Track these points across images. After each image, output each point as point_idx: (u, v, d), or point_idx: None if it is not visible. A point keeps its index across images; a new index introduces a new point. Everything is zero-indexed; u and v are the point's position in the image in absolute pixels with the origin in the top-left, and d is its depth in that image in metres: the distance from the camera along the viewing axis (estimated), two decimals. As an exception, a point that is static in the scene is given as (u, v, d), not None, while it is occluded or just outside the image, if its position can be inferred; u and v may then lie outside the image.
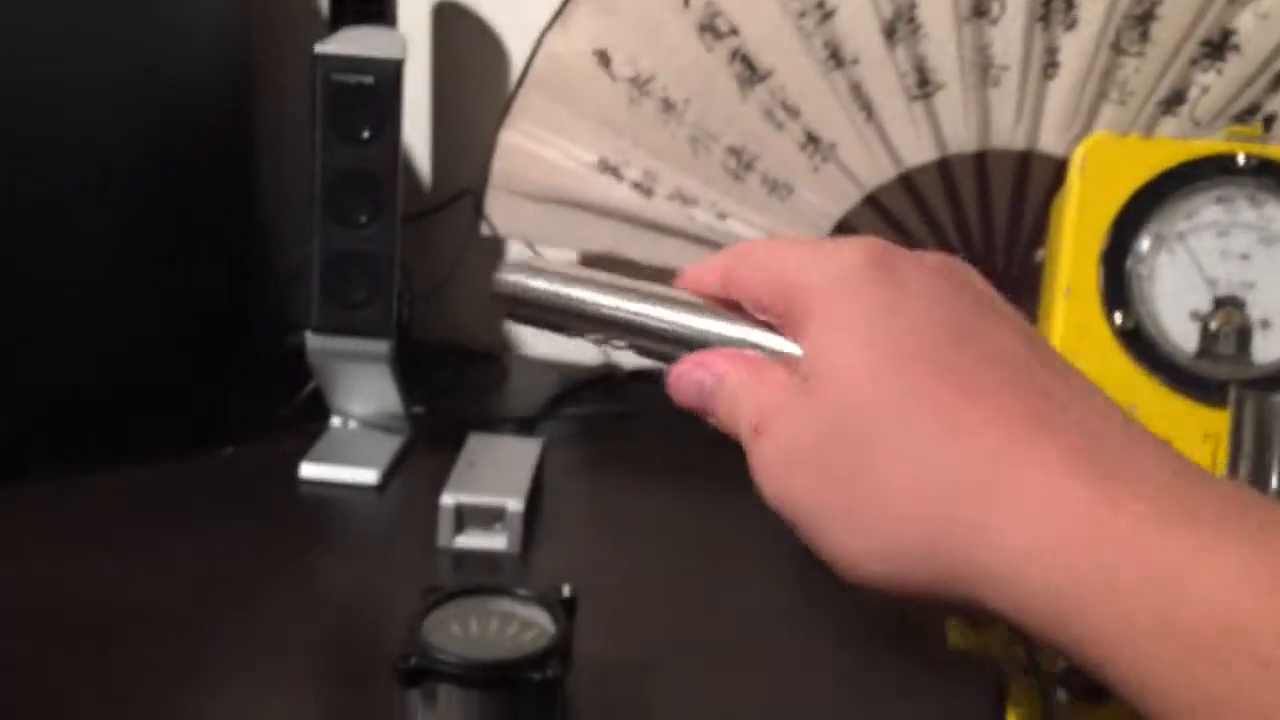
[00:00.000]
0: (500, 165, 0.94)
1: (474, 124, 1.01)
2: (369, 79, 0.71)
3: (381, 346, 0.75)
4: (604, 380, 0.98)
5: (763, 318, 0.35)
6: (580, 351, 1.06)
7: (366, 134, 0.71)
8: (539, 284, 0.39)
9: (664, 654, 0.60)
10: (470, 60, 1.04)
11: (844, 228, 0.90)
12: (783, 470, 0.32)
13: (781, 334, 0.34)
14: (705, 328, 0.36)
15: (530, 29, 0.91)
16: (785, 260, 0.33)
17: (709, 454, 0.87)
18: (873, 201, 0.89)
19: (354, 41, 0.73)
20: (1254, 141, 0.51)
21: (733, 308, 0.36)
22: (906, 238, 0.90)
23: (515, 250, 1.01)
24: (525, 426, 0.88)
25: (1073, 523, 0.27)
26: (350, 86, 0.71)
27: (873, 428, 0.29)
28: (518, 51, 1.01)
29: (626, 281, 0.38)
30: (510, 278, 0.39)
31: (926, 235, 0.89)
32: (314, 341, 0.75)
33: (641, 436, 0.89)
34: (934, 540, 0.28)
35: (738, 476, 0.87)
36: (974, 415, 0.29)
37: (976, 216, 0.88)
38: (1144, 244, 0.51)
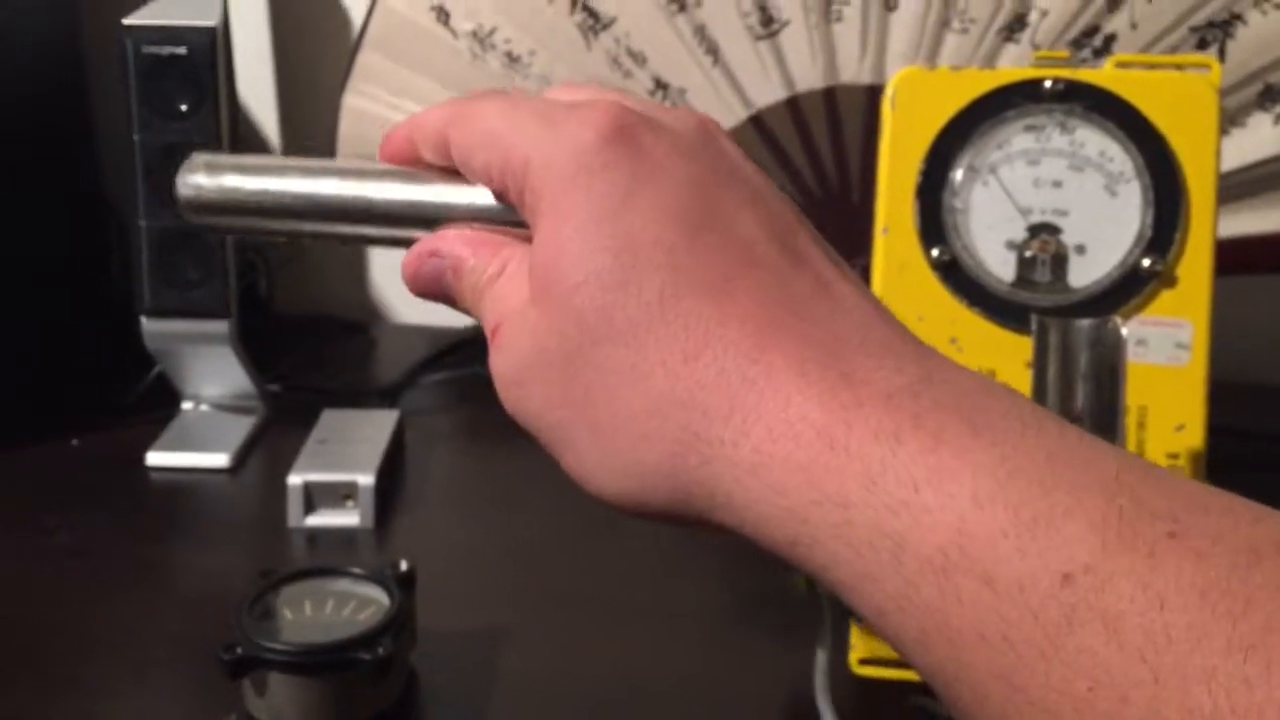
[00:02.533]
0: (346, 130, 0.91)
1: (320, 88, 0.98)
2: (181, 49, 0.68)
3: (220, 326, 0.72)
4: (472, 342, 0.96)
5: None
6: (450, 314, 1.04)
7: (185, 107, 0.68)
8: (226, 181, 0.32)
9: (520, 621, 0.59)
10: (311, 22, 1.00)
11: (700, 174, 0.88)
12: (518, 385, 0.29)
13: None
14: (431, 199, 0.31)
15: (366, -13, 0.88)
16: (515, 131, 0.29)
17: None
18: (726, 145, 0.87)
19: (165, 11, 0.70)
20: (1063, 65, 0.51)
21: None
22: (763, 180, 0.89)
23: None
24: (387, 397, 0.86)
25: (804, 441, 0.25)
26: (163, 58, 0.68)
27: (607, 347, 0.27)
28: (356, 12, 0.98)
29: (330, 162, 0.33)
30: (191, 179, 0.32)
31: (782, 177, 0.88)
32: (149, 326, 0.72)
33: (510, 398, 0.88)
34: (673, 460, 0.27)
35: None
36: (708, 329, 0.27)
37: (830, 154, 0.87)
38: (957, 176, 0.50)
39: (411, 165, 0.32)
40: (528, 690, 0.54)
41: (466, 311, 0.32)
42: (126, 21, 0.69)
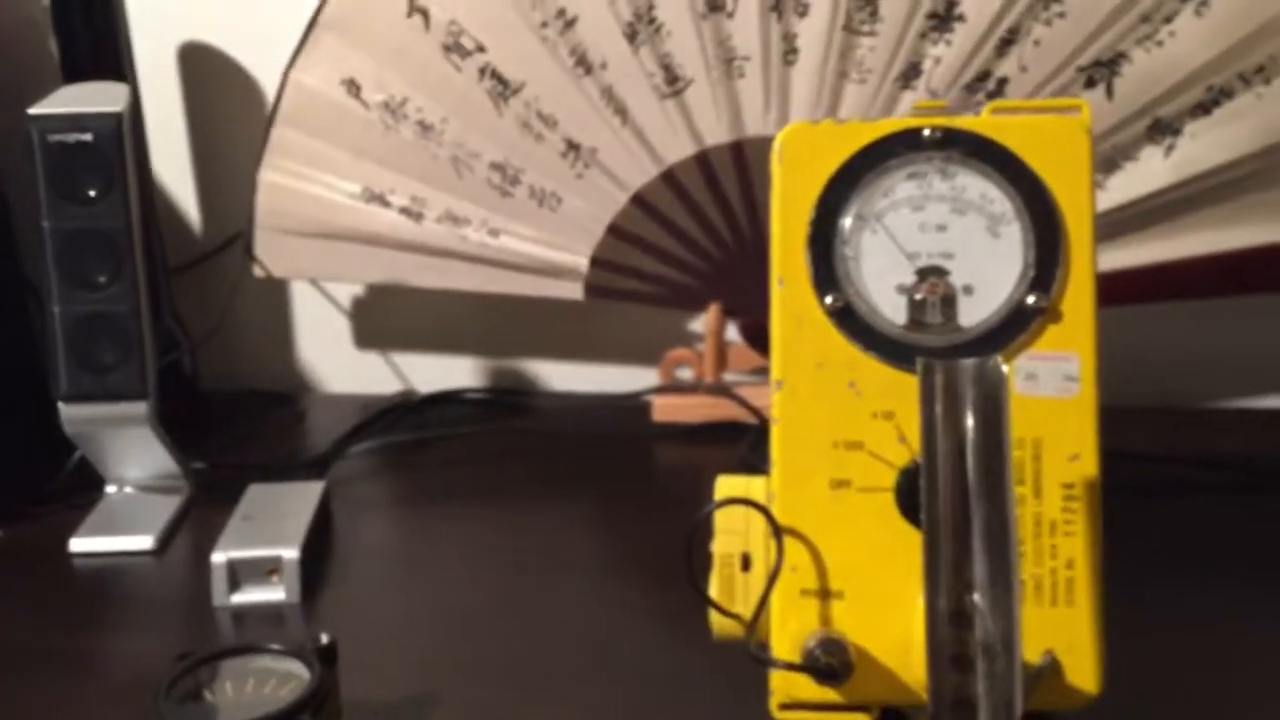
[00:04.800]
0: (264, 204, 0.92)
1: (236, 166, 0.99)
2: (88, 136, 0.68)
3: (139, 408, 0.72)
4: (398, 408, 0.96)
5: None
6: (379, 381, 1.04)
7: (93, 193, 0.69)
8: None
9: (451, 690, 0.59)
10: (224, 102, 1.01)
11: (616, 231, 0.90)
12: None
13: None
14: None
15: (278, 64, 0.89)
16: None
17: (510, 470, 0.88)
18: (640, 201, 0.89)
19: (71, 99, 0.71)
20: (941, 114, 0.53)
21: None
22: (677, 235, 0.90)
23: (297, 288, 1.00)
24: (314, 469, 0.86)
25: None
26: (69, 145, 0.68)
27: None
28: (270, 87, 0.99)
29: None
30: None
31: (696, 230, 0.90)
32: (67, 411, 0.72)
33: (441, 462, 0.88)
34: None
35: (541, 491, 0.87)
36: None
37: (740, 206, 0.89)
38: (846, 224, 0.52)
39: None
40: (456, 756, 0.54)
41: None
42: (32, 111, 0.69)
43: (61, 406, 0.72)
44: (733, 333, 0.95)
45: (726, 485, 0.54)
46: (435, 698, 0.58)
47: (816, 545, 0.51)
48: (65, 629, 0.67)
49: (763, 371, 0.94)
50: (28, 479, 0.82)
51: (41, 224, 0.69)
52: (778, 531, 0.50)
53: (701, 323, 0.95)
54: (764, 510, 0.51)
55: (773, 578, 0.50)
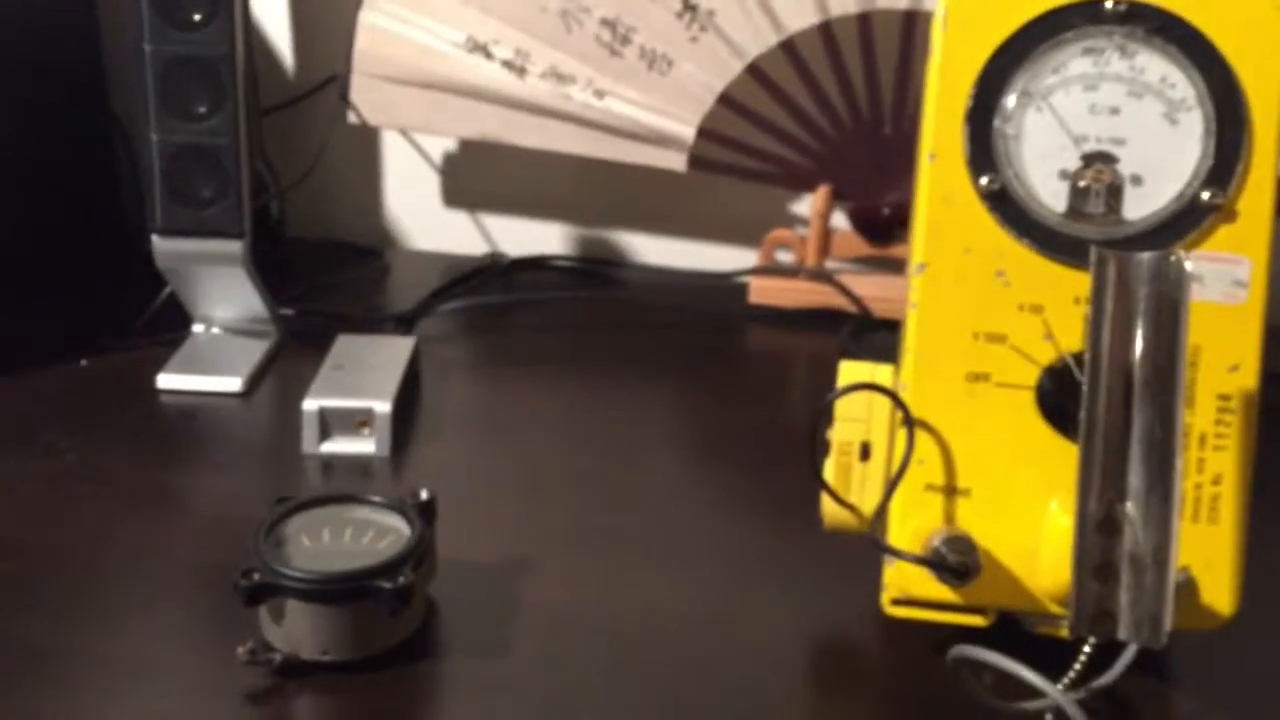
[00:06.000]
0: (362, 48, 0.89)
1: (336, 5, 0.95)
2: (194, -43, 0.65)
3: (234, 247, 0.70)
4: (487, 269, 0.94)
5: None
6: (466, 241, 1.02)
7: (198, 16, 0.66)
8: None
9: (538, 553, 0.58)
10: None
11: (728, 101, 0.86)
12: None
13: None
14: None
15: (385, -101, 0.85)
16: None
17: (598, 341, 0.86)
18: (755, 71, 0.85)
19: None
20: (1124, -14, 0.48)
21: None
22: (791, 110, 0.86)
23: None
24: (403, 324, 0.84)
25: None
26: (176, -35, 0.65)
27: None
28: (376, -76, 0.95)
29: None
30: None
31: (812, 107, 0.86)
32: (160, 245, 0.70)
33: (528, 327, 0.86)
34: None
35: (629, 364, 0.85)
36: None
37: (863, 82, 0.85)
38: (1009, 102, 0.48)
39: None
40: (546, 623, 0.53)
41: None
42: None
43: (155, 240, 0.70)
44: (838, 219, 0.91)
45: (851, 371, 0.52)
46: (525, 562, 0.57)
47: (946, 440, 0.48)
48: (152, 463, 0.66)
49: (867, 260, 0.91)
50: (115, 313, 0.81)
51: (143, 47, 0.66)
52: (909, 420, 0.48)
53: (807, 205, 0.91)
54: (895, 398, 0.48)
55: (902, 468, 0.47)
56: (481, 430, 0.73)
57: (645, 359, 0.81)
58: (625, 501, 0.63)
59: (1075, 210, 0.48)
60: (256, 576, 0.47)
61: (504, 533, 0.60)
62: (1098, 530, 0.41)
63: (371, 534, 0.51)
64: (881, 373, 0.51)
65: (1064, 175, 0.48)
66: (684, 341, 0.85)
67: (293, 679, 0.48)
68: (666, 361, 0.81)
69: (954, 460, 0.48)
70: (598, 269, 0.97)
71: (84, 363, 0.76)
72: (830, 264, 0.90)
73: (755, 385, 0.79)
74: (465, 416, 0.74)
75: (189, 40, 0.67)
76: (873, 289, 0.86)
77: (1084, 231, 0.47)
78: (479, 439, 0.71)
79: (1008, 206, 0.48)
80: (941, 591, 0.48)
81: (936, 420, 0.48)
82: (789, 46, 0.84)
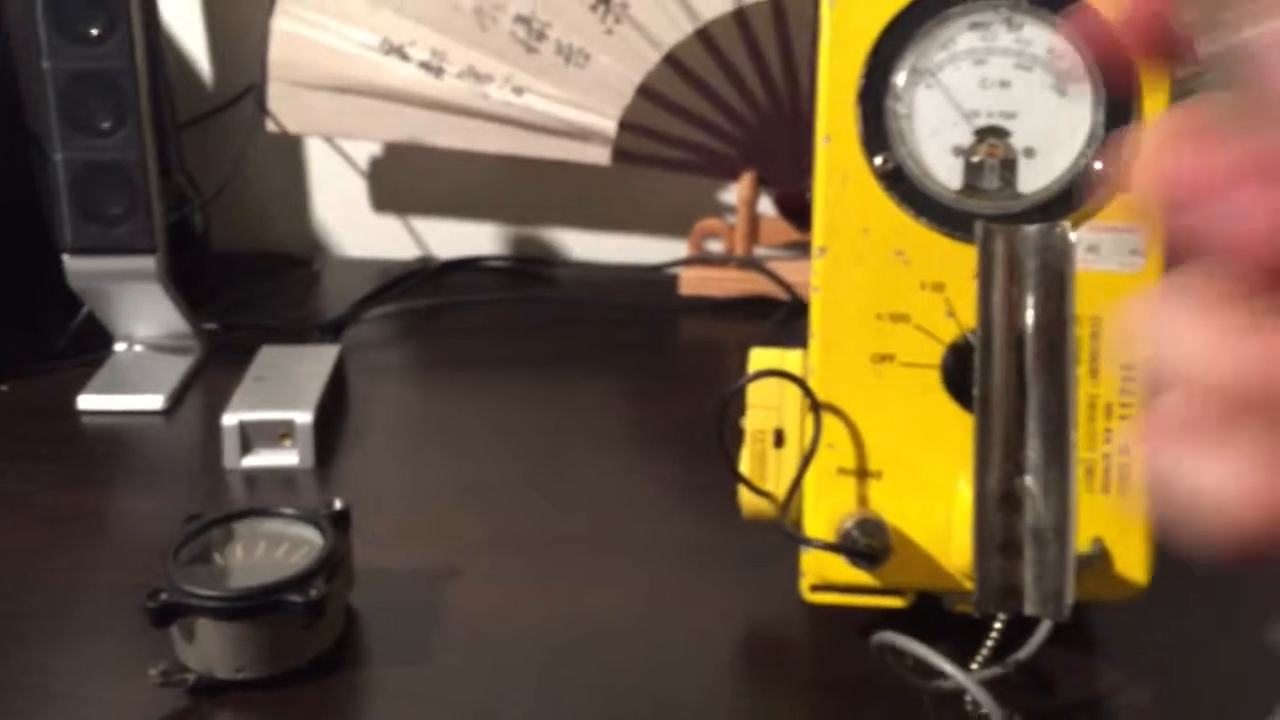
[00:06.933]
0: (277, 55, 0.88)
1: (249, 14, 0.94)
2: (88, -30, 0.64)
3: (148, 263, 0.69)
4: (417, 273, 0.93)
5: None
6: (397, 246, 1.01)
7: (95, 31, 0.65)
8: None
9: (465, 560, 0.57)
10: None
11: (647, 92, 0.86)
12: None
13: None
14: None
15: (291, -97, 0.84)
16: None
17: (530, 341, 0.85)
18: (672, 61, 0.85)
19: (71, -70, 0.66)
20: (1009, -41, 0.48)
21: None
22: (711, 98, 0.86)
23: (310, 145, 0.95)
24: (329, 332, 0.83)
25: None
26: (71, -19, 0.64)
27: None
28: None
29: None
30: None
31: (731, 94, 0.86)
32: (72, 264, 0.69)
33: (459, 330, 0.86)
34: None
35: (562, 364, 0.84)
36: None
37: (780, 67, 0.84)
38: (900, 80, 0.48)
39: None
40: (473, 630, 0.52)
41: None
42: (29, -57, 0.65)
43: (66, 259, 0.69)
44: (765, 205, 0.91)
45: (761, 357, 0.52)
46: (451, 569, 0.56)
47: (855, 422, 0.48)
48: (74, 486, 0.65)
49: (796, 246, 0.90)
50: (34, 335, 0.80)
51: (42, 65, 0.65)
52: (815, 406, 0.47)
53: (733, 193, 0.91)
54: (801, 383, 0.48)
55: (809, 455, 0.47)
56: (411, 437, 0.72)
57: (579, 357, 0.81)
58: (557, 504, 0.63)
59: (971, 186, 0.48)
60: (164, 597, 0.46)
61: (431, 539, 0.60)
62: (998, 506, 0.41)
63: (285, 547, 0.50)
64: (791, 358, 0.51)
65: (958, 151, 0.48)
66: (618, 337, 0.84)
67: (208, 699, 0.47)
68: (600, 358, 0.81)
69: (864, 442, 0.48)
70: (528, 268, 0.97)
71: (3, 387, 0.75)
72: (760, 251, 0.90)
73: (690, 377, 0.79)
74: (394, 424, 0.73)
75: (88, 55, 0.65)
76: (803, 274, 0.85)
77: (980, 207, 0.47)
78: (408, 446, 0.71)
79: (904, 185, 0.48)
80: (858, 575, 0.48)
81: (844, 403, 0.48)
82: (704, 35, 0.83)
